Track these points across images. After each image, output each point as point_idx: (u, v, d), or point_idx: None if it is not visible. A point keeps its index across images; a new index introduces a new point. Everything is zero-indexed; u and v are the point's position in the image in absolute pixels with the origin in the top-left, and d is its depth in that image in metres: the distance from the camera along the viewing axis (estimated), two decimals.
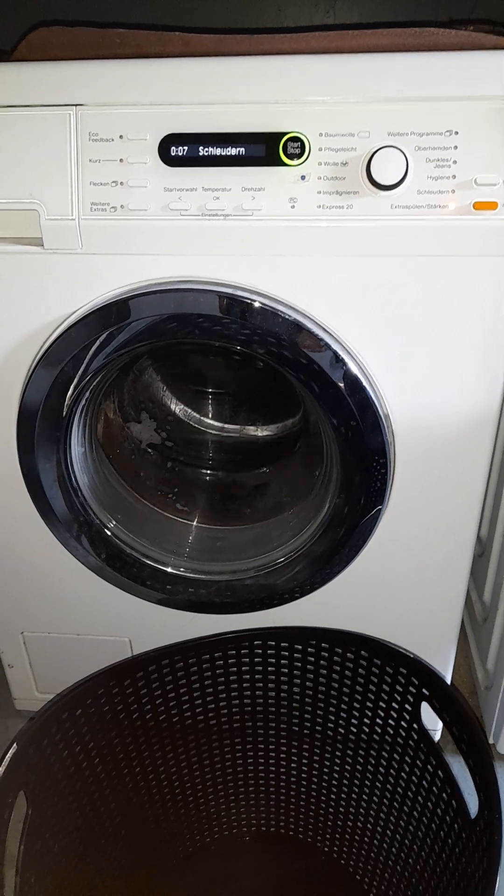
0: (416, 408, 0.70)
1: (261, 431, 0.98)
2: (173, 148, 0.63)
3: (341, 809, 0.83)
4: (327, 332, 0.67)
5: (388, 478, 0.73)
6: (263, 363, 0.70)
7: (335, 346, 0.67)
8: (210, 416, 0.98)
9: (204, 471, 0.97)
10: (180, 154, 0.64)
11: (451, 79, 0.59)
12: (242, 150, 0.63)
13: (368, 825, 0.80)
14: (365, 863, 0.81)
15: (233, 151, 0.63)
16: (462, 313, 0.65)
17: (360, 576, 0.80)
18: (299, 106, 0.61)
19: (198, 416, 0.98)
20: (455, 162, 0.60)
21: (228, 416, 0.98)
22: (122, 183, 0.65)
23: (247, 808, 0.87)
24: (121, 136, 0.64)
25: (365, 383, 0.68)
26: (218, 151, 0.63)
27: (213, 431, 0.99)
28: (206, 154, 0.63)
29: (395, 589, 0.82)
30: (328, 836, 0.85)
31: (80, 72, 0.64)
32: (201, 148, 0.63)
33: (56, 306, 0.69)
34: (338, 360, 0.67)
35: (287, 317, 0.66)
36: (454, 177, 0.60)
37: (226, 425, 0.98)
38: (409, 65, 0.60)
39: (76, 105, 0.64)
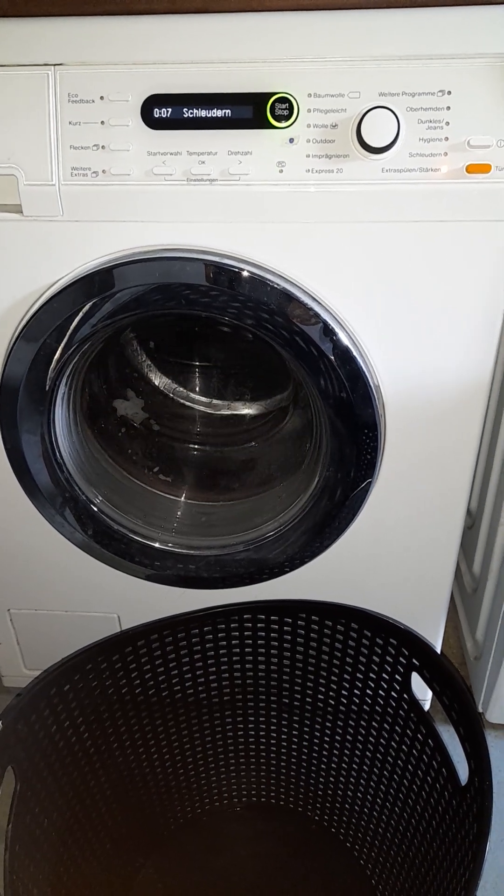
0: (406, 378, 0.69)
1: (249, 405, 0.97)
2: (156, 109, 0.61)
3: (332, 779, 0.84)
4: (317, 301, 0.66)
5: (379, 450, 0.72)
6: (252, 334, 0.69)
7: (325, 316, 0.66)
8: (197, 390, 0.97)
9: (192, 446, 0.96)
10: (164, 116, 0.61)
11: (444, 36, 0.57)
12: (228, 111, 0.61)
13: (359, 794, 0.81)
14: (356, 831, 0.82)
15: (218, 113, 0.61)
16: (454, 280, 0.64)
17: (350, 549, 0.80)
18: (287, 65, 0.59)
19: (185, 390, 0.97)
20: (448, 123, 0.58)
21: (216, 390, 0.97)
22: (103, 146, 0.62)
23: (237, 779, 0.87)
24: (102, 98, 0.62)
25: (355, 353, 0.67)
26: (203, 113, 0.61)
27: (201, 406, 0.97)
28: (190, 116, 0.61)
29: (386, 561, 0.82)
30: (319, 805, 0.86)
31: (60, 29, 0.61)
32: (186, 109, 0.61)
33: (37, 276, 0.67)
34: (328, 329, 0.66)
35: (276, 286, 0.64)
36: (447, 139, 0.59)
37: (213, 400, 0.97)
38: (401, 21, 0.58)
39: (55, 65, 0.61)
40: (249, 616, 0.79)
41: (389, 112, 0.58)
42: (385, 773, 0.78)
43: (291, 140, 0.61)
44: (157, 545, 0.84)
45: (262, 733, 0.85)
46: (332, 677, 0.79)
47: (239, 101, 0.60)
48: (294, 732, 0.84)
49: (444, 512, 0.78)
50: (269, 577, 0.83)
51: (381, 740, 0.78)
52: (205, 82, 0.60)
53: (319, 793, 0.85)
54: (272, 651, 0.80)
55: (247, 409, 0.97)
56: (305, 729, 0.83)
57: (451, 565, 0.82)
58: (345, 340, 0.66)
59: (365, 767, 0.80)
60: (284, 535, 0.80)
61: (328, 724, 0.82)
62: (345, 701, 0.79)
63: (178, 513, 0.89)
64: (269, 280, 0.64)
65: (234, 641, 0.80)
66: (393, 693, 0.75)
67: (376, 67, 0.58)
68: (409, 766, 0.75)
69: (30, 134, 0.62)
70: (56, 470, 0.77)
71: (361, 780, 0.81)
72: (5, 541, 0.86)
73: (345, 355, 0.67)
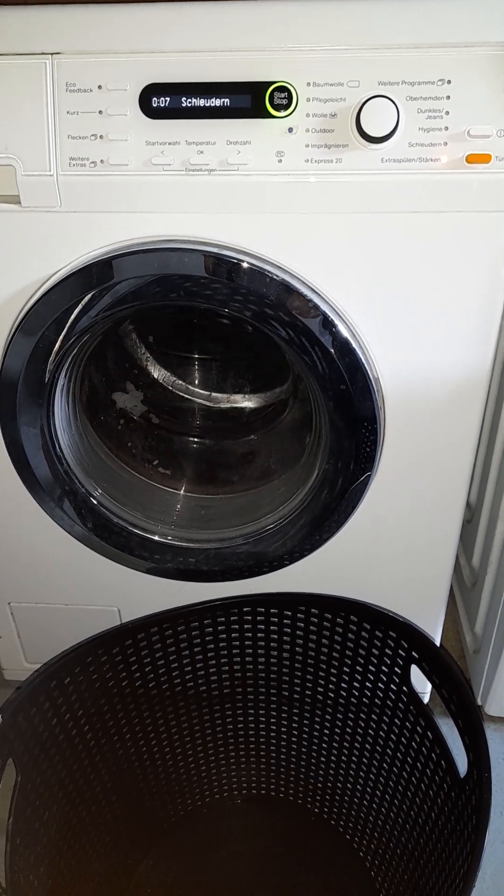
0: (406, 371, 0.69)
1: (249, 398, 0.96)
2: (154, 99, 0.61)
3: (331, 771, 0.84)
4: (316, 292, 0.65)
5: (378, 443, 0.72)
6: (251, 326, 0.69)
7: (324, 308, 0.65)
8: (197, 382, 0.97)
9: (191, 439, 0.96)
10: (162, 105, 0.61)
11: (444, 24, 0.57)
12: (227, 101, 0.60)
13: (358, 786, 0.81)
14: (355, 823, 0.82)
15: (217, 102, 0.60)
16: (455, 272, 0.63)
17: (349, 542, 0.80)
18: (286, 54, 0.59)
19: (184, 383, 0.96)
20: (447, 113, 0.58)
21: (216, 383, 0.97)
22: (101, 136, 0.62)
23: (237, 772, 0.87)
24: (100, 87, 0.61)
25: (355, 346, 0.67)
26: (201, 103, 0.60)
27: (200, 399, 0.97)
28: (188, 105, 0.61)
29: (385, 555, 0.82)
30: (318, 797, 0.86)
31: (58, 17, 0.61)
32: (184, 99, 0.60)
33: (35, 267, 0.67)
34: (327, 321, 0.65)
35: (275, 277, 0.64)
36: (446, 128, 0.58)
37: (213, 392, 0.97)
38: (400, 9, 0.57)
39: (53, 53, 0.61)
40: (249, 609, 0.79)
41: (389, 101, 0.58)
42: (384, 765, 0.78)
43: (290, 129, 0.60)
44: (156, 538, 0.83)
45: (261, 726, 0.85)
46: (332, 670, 0.79)
47: (237, 90, 0.60)
48: (294, 725, 0.84)
49: (443, 506, 0.77)
50: (269, 570, 0.82)
51: (381, 733, 0.78)
52: (203, 71, 0.60)
53: (319, 785, 0.85)
54: (272, 644, 0.80)
55: (246, 402, 0.97)
56: (305, 721, 0.83)
57: (450, 559, 0.82)
58: (344, 332, 0.66)
59: (364, 760, 0.80)
60: (284, 528, 0.80)
61: (328, 716, 0.82)
62: (344, 693, 0.79)
63: (178, 506, 0.89)
64: (269, 271, 0.64)
65: (233, 634, 0.80)
66: (392, 686, 0.75)
67: (376, 56, 0.58)
68: (409, 759, 0.75)
69: (27, 124, 0.62)
70: (55, 463, 0.77)
71: (361, 773, 0.81)
72: (5, 534, 0.85)
73: (344, 347, 0.66)
